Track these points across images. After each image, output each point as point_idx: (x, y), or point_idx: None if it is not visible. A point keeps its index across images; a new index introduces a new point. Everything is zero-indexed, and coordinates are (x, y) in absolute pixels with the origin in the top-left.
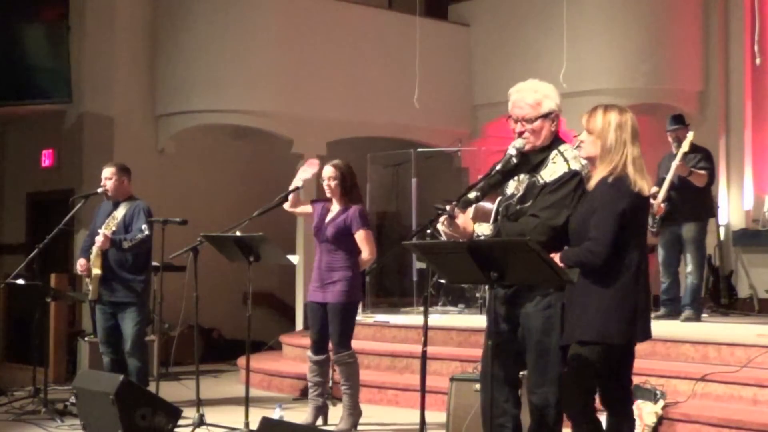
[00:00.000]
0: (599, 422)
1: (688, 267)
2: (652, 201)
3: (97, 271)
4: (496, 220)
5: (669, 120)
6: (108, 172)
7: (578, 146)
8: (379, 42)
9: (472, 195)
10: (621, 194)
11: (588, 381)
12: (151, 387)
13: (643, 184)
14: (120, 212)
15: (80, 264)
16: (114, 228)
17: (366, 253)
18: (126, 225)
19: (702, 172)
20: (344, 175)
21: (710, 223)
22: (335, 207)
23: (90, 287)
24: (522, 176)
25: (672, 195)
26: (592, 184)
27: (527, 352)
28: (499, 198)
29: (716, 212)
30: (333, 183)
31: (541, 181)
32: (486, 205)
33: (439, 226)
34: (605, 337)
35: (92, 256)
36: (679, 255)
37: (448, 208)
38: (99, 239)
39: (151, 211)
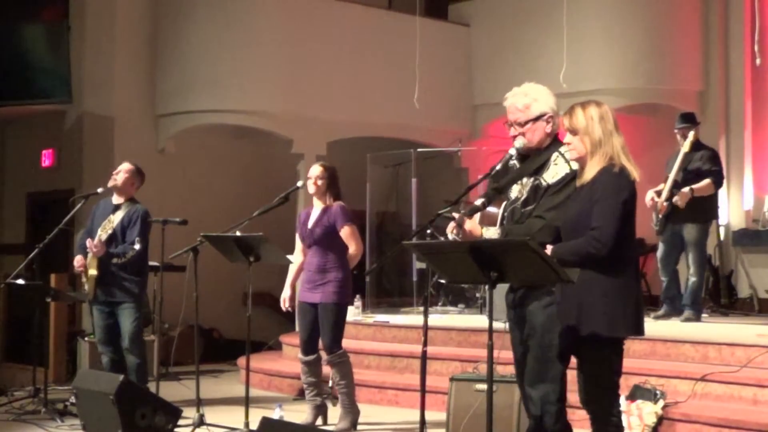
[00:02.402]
0: (621, 423)
1: (689, 268)
2: (656, 199)
3: (93, 271)
4: (502, 224)
5: (677, 118)
6: (126, 167)
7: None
8: (379, 42)
9: (478, 202)
10: (624, 184)
11: (609, 378)
12: (151, 387)
13: (635, 172)
14: (118, 215)
15: (77, 261)
16: (110, 231)
17: (353, 248)
18: (123, 228)
19: (705, 183)
20: (332, 175)
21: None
22: (316, 209)
23: (87, 287)
24: (525, 180)
25: (675, 193)
26: (587, 177)
27: (530, 350)
28: (504, 203)
29: (718, 214)
30: (320, 182)
31: (545, 183)
32: (491, 209)
33: (449, 234)
34: (614, 331)
35: (89, 257)
36: (679, 254)
37: (456, 216)
38: (94, 246)
39: (150, 215)
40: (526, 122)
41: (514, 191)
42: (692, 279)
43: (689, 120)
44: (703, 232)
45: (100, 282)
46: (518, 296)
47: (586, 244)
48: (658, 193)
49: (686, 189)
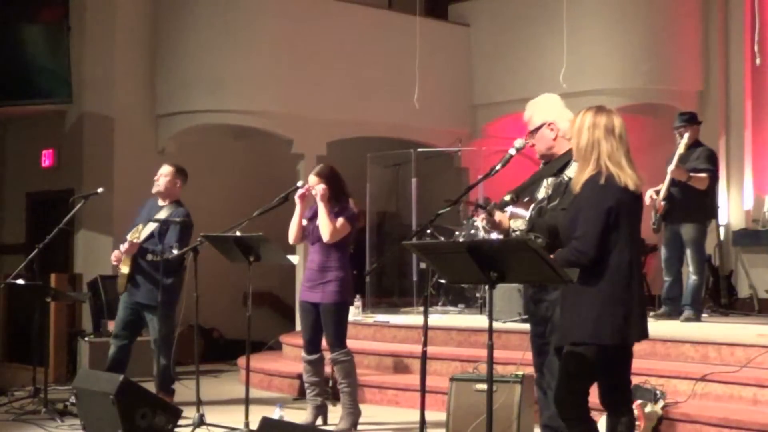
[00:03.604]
0: (594, 423)
1: (689, 267)
2: (654, 197)
3: (125, 269)
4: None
5: (676, 117)
6: (166, 170)
7: None
8: (379, 42)
9: (507, 197)
10: (608, 192)
11: (581, 383)
12: (151, 387)
13: (627, 179)
14: (160, 216)
15: (114, 254)
16: (139, 238)
17: (338, 224)
18: (162, 231)
19: (702, 175)
20: (327, 181)
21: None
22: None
23: (119, 281)
24: (550, 180)
25: (673, 193)
26: (575, 184)
27: (552, 344)
28: (532, 204)
29: (717, 214)
30: (320, 190)
31: (566, 178)
32: (519, 211)
33: (478, 222)
34: (598, 338)
35: (123, 256)
36: (681, 254)
37: (488, 206)
38: (124, 246)
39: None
40: (533, 131)
41: (541, 192)
42: (692, 278)
43: (687, 119)
44: (701, 232)
45: (130, 280)
46: (534, 291)
47: (569, 254)
48: (657, 192)
49: (684, 172)
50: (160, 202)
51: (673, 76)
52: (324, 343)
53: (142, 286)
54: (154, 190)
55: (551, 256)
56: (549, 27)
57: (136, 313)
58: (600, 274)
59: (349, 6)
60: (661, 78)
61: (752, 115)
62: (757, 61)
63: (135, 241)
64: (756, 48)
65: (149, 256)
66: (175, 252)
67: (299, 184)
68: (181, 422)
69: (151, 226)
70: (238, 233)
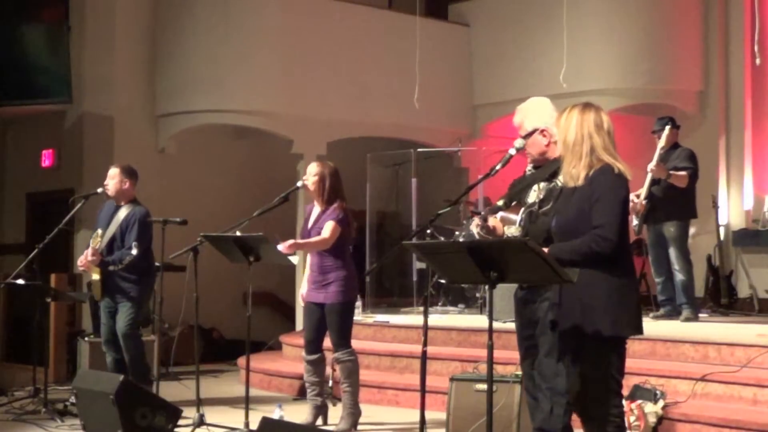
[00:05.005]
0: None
1: (674, 266)
2: (635, 199)
3: (95, 276)
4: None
5: (656, 122)
6: (112, 173)
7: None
8: (379, 42)
9: (500, 202)
10: (622, 182)
11: (612, 379)
12: (151, 387)
13: (627, 173)
14: (114, 223)
15: (80, 262)
16: (99, 244)
17: (325, 234)
18: (122, 232)
19: (682, 173)
20: (324, 176)
21: (694, 223)
22: (317, 208)
23: (93, 289)
24: (542, 185)
25: (654, 192)
26: (567, 176)
27: (541, 345)
28: (522, 208)
29: (696, 213)
30: (312, 179)
31: (560, 185)
32: (511, 216)
33: (473, 228)
34: (618, 330)
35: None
36: (667, 253)
37: (482, 212)
38: (89, 255)
39: (149, 217)
40: (525, 136)
41: (532, 197)
42: (679, 276)
43: (665, 124)
44: (683, 230)
45: (103, 285)
46: (524, 293)
47: (590, 242)
48: (638, 197)
49: (664, 169)
50: (117, 204)
51: (673, 76)
52: (326, 342)
53: (114, 287)
54: (107, 194)
55: (545, 249)
56: (549, 27)
57: (114, 318)
58: (614, 265)
59: (349, 6)
60: (661, 78)
61: (752, 115)
62: (757, 61)
63: (96, 248)
64: (756, 48)
65: (111, 267)
66: (134, 252)
67: (299, 183)
68: (181, 422)
69: (111, 231)
70: (238, 233)
